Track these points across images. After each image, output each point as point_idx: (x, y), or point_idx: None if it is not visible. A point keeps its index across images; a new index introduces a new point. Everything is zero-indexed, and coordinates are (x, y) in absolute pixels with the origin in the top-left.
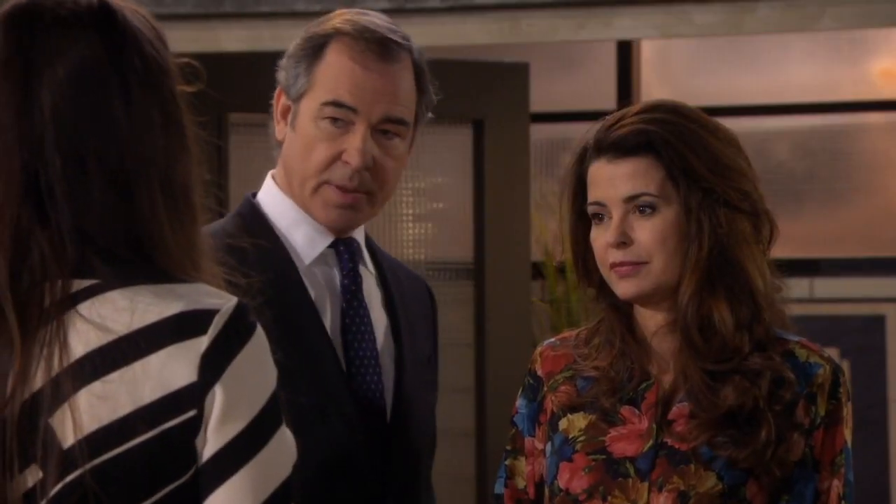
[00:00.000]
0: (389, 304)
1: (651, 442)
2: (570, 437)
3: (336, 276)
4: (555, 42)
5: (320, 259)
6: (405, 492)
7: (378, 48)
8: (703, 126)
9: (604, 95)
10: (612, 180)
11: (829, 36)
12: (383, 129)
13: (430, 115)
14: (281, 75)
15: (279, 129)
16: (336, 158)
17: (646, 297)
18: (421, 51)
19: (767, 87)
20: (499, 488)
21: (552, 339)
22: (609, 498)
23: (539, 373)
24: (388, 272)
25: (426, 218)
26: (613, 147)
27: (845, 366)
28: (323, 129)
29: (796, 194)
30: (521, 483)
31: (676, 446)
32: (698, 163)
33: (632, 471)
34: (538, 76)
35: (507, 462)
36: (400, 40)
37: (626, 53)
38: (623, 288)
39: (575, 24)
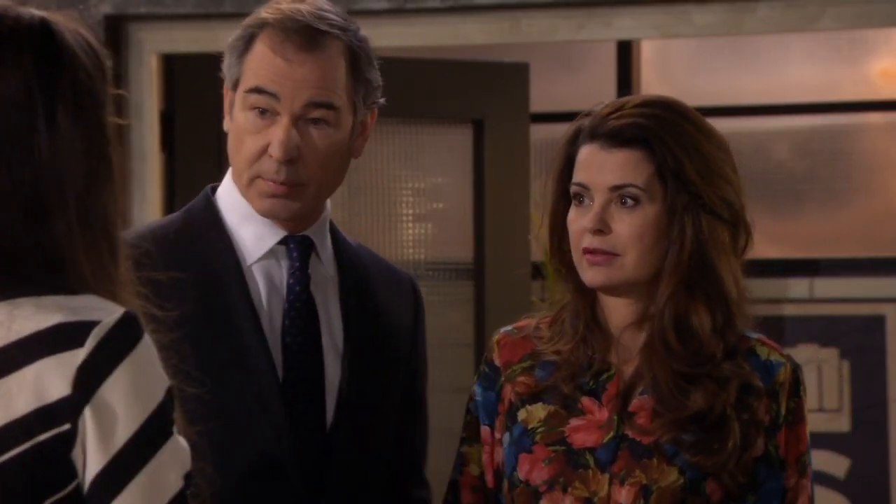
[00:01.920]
0: (346, 308)
1: (612, 433)
2: (530, 427)
3: (284, 275)
4: (555, 42)
5: (269, 257)
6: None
7: (298, 38)
8: (698, 128)
9: (604, 95)
10: (602, 167)
11: (829, 36)
12: (313, 119)
13: (382, 100)
14: (223, 66)
15: (226, 121)
16: (263, 151)
17: (612, 288)
18: (359, 36)
19: (767, 87)
20: (454, 476)
21: (508, 328)
22: (569, 489)
23: (496, 362)
24: (349, 268)
25: (426, 218)
26: (608, 135)
27: (845, 366)
28: (250, 121)
29: (796, 194)
30: (475, 470)
31: (638, 439)
32: (690, 166)
33: (592, 462)
34: (538, 76)
35: (462, 449)
36: (326, 28)
37: (626, 53)
38: (590, 275)
39: (575, 24)
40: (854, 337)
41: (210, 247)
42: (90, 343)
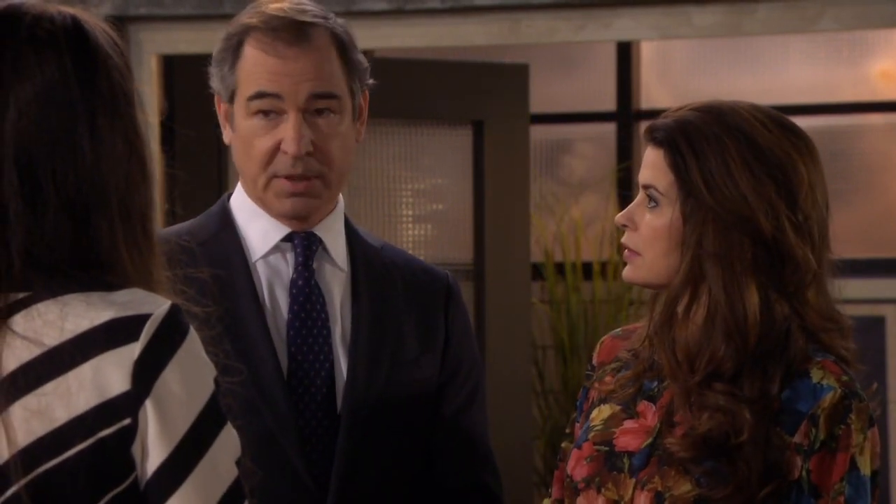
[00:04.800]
0: (356, 302)
1: (650, 440)
2: (591, 425)
3: (289, 269)
4: (554, 43)
5: (275, 252)
6: (359, 496)
7: (287, 34)
8: (738, 139)
9: (603, 96)
10: (643, 165)
11: (828, 37)
12: (317, 109)
13: (371, 81)
14: (213, 81)
15: (225, 135)
16: (276, 150)
17: (643, 286)
18: (343, 24)
19: (767, 89)
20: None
21: (618, 329)
22: (602, 490)
23: (594, 361)
24: (366, 270)
25: (426, 219)
26: (647, 133)
27: None
28: (257, 125)
29: None
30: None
31: (670, 449)
32: (696, 172)
33: (626, 466)
34: (538, 77)
35: (563, 444)
36: (310, 19)
37: (625, 54)
38: (623, 272)
39: (574, 25)
40: (853, 338)
41: (221, 246)
42: (144, 336)
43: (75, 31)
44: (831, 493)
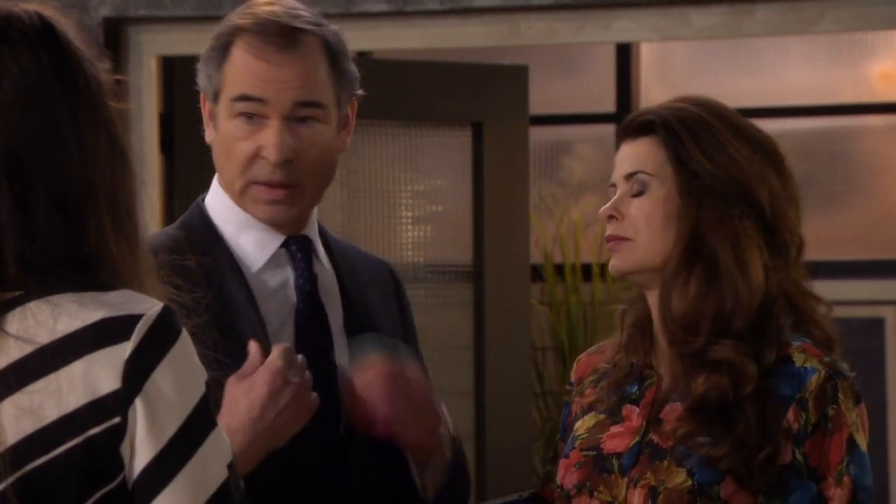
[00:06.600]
0: (345, 298)
1: (637, 439)
2: (577, 435)
3: (290, 277)
4: (554, 44)
5: (272, 261)
6: (359, 499)
7: (277, 39)
8: (723, 121)
9: (603, 98)
10: (622, 160)
11: (828, 38)
12: (301, 117)
13: (360, 91)
14: (199, 78)
15: (207, 133)
16: (256, 155)
17: (633, 274)
18: (335, 31)
19: (767, 90)
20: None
21: (592, 347)
22: (595, 494)
23: (573, 378)
24: (342, 263)
25: (425, 220)
26: (626, 128)
27: None
28: (239, 127)
29: None
30: (555, 486)
31: (660, 443)
32: (693, 146)
33: (616, 467)
34: (537, 78)
35: (548, 467)
36: (303, 25)
37: (625, 56)
38: (611, 263)
39: (574, 26)
40: (853, 339)
41: (214, 262)
42: (136, 336)
43: (44, 28)
44: (835, 475)
